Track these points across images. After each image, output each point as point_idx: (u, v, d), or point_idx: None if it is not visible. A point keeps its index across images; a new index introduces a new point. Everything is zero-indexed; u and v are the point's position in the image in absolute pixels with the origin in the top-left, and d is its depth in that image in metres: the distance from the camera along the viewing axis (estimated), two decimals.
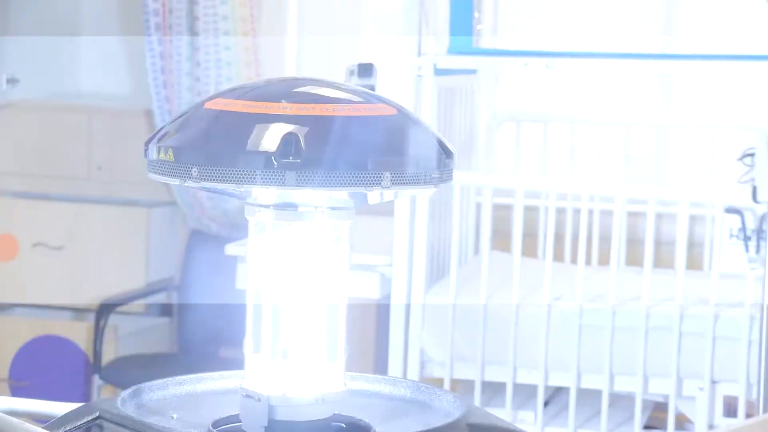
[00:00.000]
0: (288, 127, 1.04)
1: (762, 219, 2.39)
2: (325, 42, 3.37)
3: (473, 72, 2.98)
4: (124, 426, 1.07)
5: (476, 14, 2.73)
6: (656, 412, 2.79)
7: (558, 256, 3.01)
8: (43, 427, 1.06)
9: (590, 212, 2.90)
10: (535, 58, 2.63)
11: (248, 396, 1.17)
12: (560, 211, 3.08)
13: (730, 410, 2.54)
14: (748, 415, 2.46)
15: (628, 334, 2.55)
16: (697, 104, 3.32)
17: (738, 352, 2.46)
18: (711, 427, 2.55)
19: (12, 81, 3.33)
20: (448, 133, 2.92)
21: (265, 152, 1.04)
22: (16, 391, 3.13)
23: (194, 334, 3.32)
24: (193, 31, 3.08)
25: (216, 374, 1.24)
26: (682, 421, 2.72)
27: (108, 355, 3.20)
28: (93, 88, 3.62)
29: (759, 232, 2.39)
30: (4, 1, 3.43)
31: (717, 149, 3.17)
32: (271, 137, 1.06)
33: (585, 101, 3.39)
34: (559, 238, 2.98)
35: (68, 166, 3.43)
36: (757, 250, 2.37)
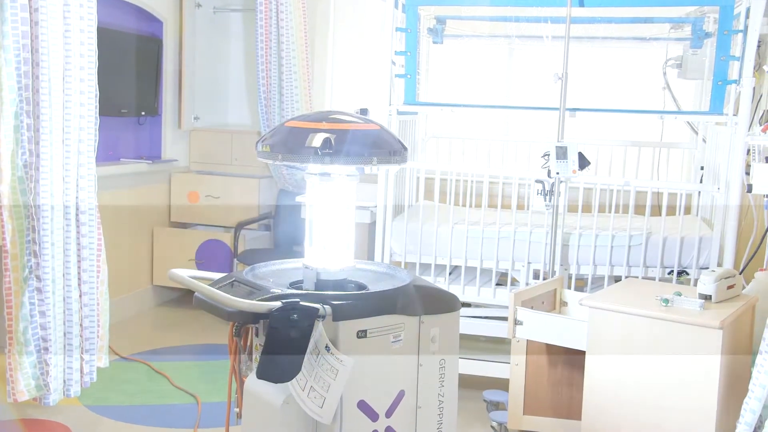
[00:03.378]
0: (325, 134, 1.81)
1: (551, 186, 3.44)
2: (344, 93, 5.00)
3: (416, 113, 4.21)
4: (245, 284, 1.97)
5: (417, 86, 3.94)
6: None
7: (456, 203, 4.19)
8: (208, 284, 1.92)
9: (473, 182, 4.04)
10: (445, 107, 3.94)
11: (307, 268, 1.97)
12: (459, 181, 4.22)
13: (536, 276, 3.61)
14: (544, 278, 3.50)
15: (491, 241, 3.64)
16: (524, 127, 4.80)
17: (541, 245, 3.58)
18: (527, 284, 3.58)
19: (196, 118, 5.12)
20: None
21: (314, 147, 1.81)
22: (199, 266, 4.76)
23: (281, 239, 4.92)
24: (280, 86, 4.65)
25: (292, 259, 2.22)
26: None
27: (240, 248, 4.75)
28: (234, 119, 5.36)
29: (549, 192, 3.46)
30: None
31: (532, 152, 4.35)
32: (317, 139, 1.81)
33: (469, 128, 4.77)
34: (457, 195, 4.20)
35: (221, 159, 5.11)
36: (549, 200, 3.47)
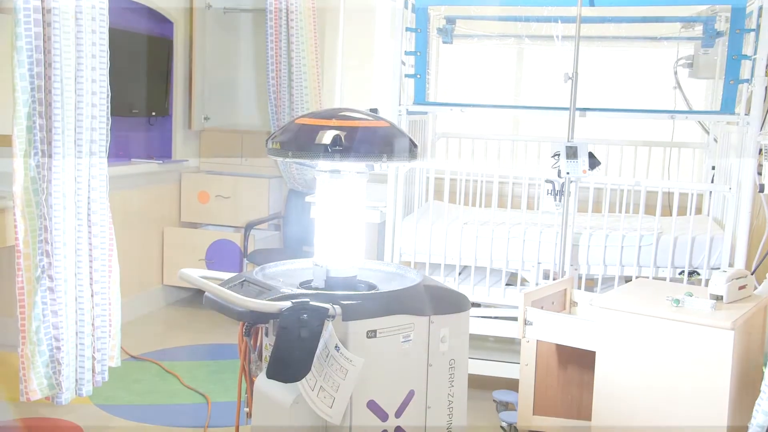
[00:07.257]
0: (336, 131, 1.83)
1: (561, 186, 3.43)
2: (354, 93, 5.00)
3: (425, 113, 4.25)
4: (255, 284, 1.99)
5: (427, 86, 3.96)
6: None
7: (466, 203, 4.23)
8: (218, 284, 1.92)
9: (483, 182, 4.09)
10: (455, 107, 3.85)
11: (317, 265, 2.03)
12: (469, 181, 4.27)
13: (546, 276, 3.58)
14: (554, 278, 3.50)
15: (501, 241, 3.64)
16: (534, 127, 4.87)
17: (551, 245, 3.56)
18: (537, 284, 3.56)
19: (206, 118, 5.15)
20: None
21: (325, 144, 1.83)
22: (209, 266, 4.79)
23: (291, 239, 4.94)
24: (290, 87, 4.68)
25: (301, 259, 2.27)
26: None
27: (250, 248, 4.78)
28: (244, 120, 5.38)
29: (559, 192, 3.45)
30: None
31: (542, 152, 4.36)
32: (327, 136, 1.83)
33: (479, 127, 4.77)
34: (467, 195, 4.25)
35: (231, 159, 5.15)
36: (559, 200, 3.47)
